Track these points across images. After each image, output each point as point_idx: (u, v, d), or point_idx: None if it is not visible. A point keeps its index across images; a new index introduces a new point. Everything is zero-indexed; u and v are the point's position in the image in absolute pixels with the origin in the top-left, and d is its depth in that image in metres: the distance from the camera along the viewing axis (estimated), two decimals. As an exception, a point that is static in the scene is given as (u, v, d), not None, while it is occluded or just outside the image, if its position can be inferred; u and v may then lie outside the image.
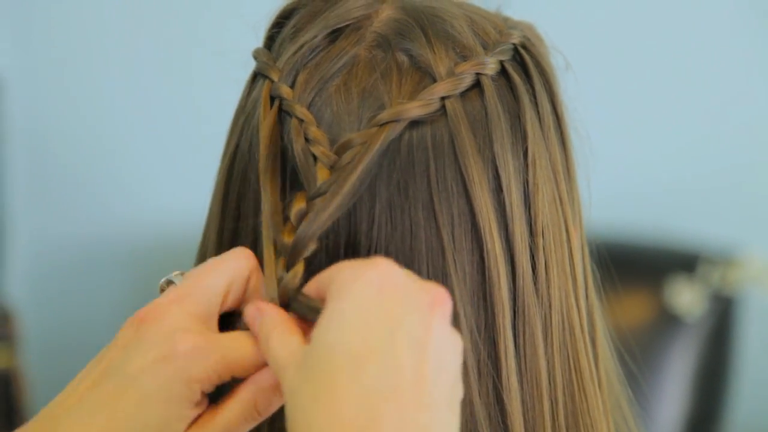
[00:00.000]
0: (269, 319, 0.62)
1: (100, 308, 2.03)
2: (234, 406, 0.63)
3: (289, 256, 0.64)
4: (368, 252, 0.65)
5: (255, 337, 0.63)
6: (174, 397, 0.61)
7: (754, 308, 1.90)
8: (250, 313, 0.64)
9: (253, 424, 0.64)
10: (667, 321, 1.78)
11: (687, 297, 1.77)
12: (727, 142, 1.96)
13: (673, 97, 1.95)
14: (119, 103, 2.01)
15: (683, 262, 1.81)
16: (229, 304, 0.66)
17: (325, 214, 0.63)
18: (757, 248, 1.84)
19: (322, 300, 0.61)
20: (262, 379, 0.63)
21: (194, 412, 0.63)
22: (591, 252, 0.74)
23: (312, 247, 0.64)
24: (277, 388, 0.62)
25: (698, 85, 1.95)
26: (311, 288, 0.63)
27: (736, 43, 1.94)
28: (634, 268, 1.81)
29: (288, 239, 0.64)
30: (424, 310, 0.58)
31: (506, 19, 0.72)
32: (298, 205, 0.64)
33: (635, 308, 1.78)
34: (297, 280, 0.63)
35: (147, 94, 2.00)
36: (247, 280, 0.66)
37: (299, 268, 0.64)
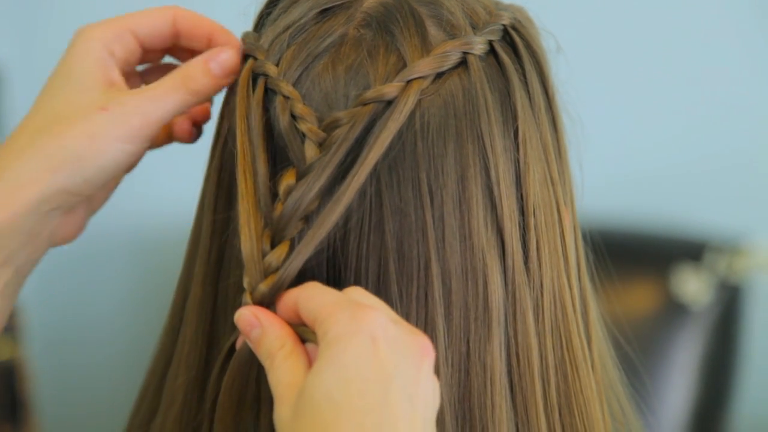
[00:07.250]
0: (274, 338, 0.63)
1: (103, 300, 2.03)
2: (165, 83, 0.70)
3: (274, 233, 0.64)
4: (359, 232, 0.65)
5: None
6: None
7: (760, 297, 1.89)
8: (246, 320, 0.64)
9: (183, 98, 0.70)
10: (674, 309, 1.77)
11: (693, 285, 1.76)
12: (734, 130, 1.95)
13: (678, 85, 1.94)
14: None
15: (690, 251, 1.80)
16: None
17: (312, 190, 0.63)
18: (763, 237, 1.83)
19: (310, 329, 0.63)
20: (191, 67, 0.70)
21: None
22: (584, 237, 0.74)
23: (298, 225, 0.64)
24: (207, 71, 0.69)
25: (705, 72, 1.94)
26: (289, 302, 0.63)
27: (741, 21, 1.92)
28: (641, 256, 1.81)
29: (277, 215, 0.64)
30: (413, 363, 0.61)
31: (497, 2, 0.72)
32: (286, 181, 0.64)
33: (641, 296, 1.77)
34: (281, 260, 0.64)
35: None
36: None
37: (284, 248, 0.64)
